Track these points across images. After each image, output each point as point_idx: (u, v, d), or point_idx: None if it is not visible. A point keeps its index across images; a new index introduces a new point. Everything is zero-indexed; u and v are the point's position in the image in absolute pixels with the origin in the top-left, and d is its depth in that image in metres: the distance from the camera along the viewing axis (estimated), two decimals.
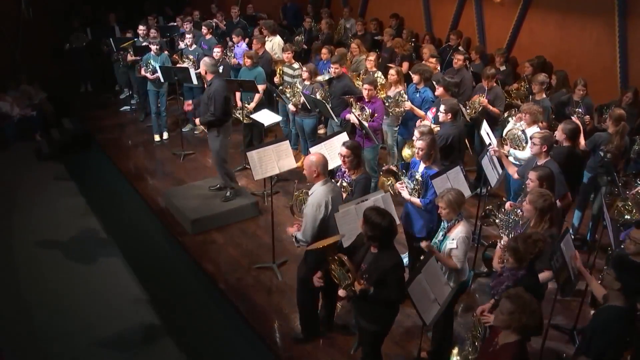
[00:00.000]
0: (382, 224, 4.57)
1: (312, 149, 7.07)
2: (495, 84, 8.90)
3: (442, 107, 7.25)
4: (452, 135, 7.16)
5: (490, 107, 8.64)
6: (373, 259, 4.75)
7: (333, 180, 5.97)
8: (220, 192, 8.68)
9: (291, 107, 9.36)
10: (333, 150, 6.85)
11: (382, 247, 4.70)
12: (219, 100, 8.00)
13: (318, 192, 5.39)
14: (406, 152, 7.89)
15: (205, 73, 8.27)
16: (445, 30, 13.15)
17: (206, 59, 8.42)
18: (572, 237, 5.94)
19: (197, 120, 8.63)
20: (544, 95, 8.43)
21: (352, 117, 7.95)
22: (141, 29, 11.78)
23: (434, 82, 8.55)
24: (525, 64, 10.15)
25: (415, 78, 8.62)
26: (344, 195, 6.04)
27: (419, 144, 6.19)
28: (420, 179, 6.15)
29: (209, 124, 8.24)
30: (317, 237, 5.32)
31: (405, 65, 11.12)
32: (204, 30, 11.93)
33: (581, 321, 5.94)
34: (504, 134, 7.69)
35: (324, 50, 10.59)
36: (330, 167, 5.95)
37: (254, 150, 7.01)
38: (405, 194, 6.24)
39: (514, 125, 7.62)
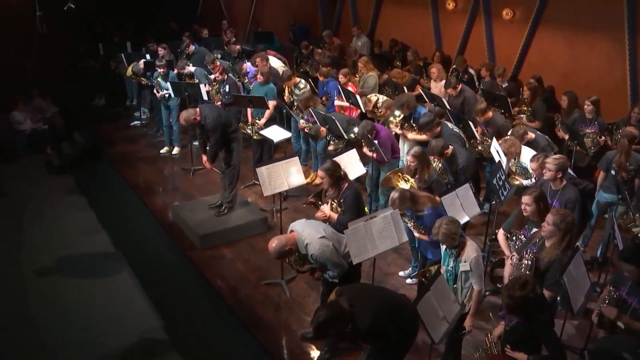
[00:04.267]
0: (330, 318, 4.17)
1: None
2: (491, 114, 8.59)
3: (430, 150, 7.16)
4: (470, 161, 7.23)
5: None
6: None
7: (325, 206, 6.18)
8: (220, 208, 8.68)
9: (302, 122, 9.39)
10: (343, 165, 6.82)
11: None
12: (218, 133, 8.01)
13: (309, 241, 5.38)
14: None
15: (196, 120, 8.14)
16: (455, 47, 13.21)
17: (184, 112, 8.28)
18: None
19: (207, 163, 8.46)
20: (533, 135, 8.02)
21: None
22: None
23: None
24: (524, 87, 9.87)
25: (405, 111, 8.63)
26: (336, 216, 6.10)
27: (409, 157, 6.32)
28: (412, 223, 6.12)
29: (216, 156, 8.29)
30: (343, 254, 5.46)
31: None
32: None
33: (592, 341, 5.87)
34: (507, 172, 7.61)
35: (319, 73, 10.71)
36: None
37: (263, 167, 7.03)
38: (416, 233, 6.22)
39: (507, 163, 7.56)
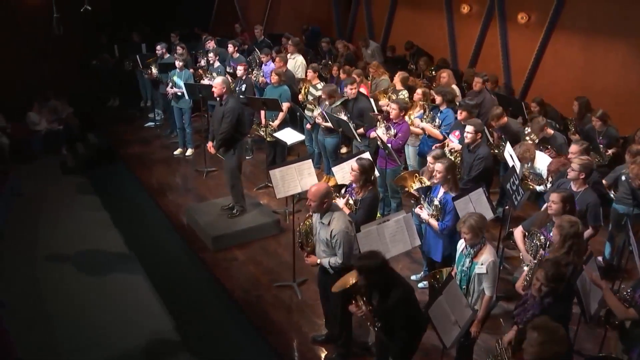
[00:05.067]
0: (373, 266, 4.55)
1: (334, 169, 7.09)
2: (506, 119, 8.56)
3: (470, 128, 7.19)
4: (490, 154, 7.23)
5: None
6: (380, 302, 4.70)
7: (339, 200, 6.15)
8: (232, 210, 8.69)
9: (308, 125, 9.39)
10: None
11: (382, 289, 4.66)
12: (232, 118, 8.00)
13: (338, 218, 5.40)
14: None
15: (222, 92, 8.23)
16: (469, 51, 13.16)
17: (219, 78, 8.49)
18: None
19: (211, 148, 8.53)
20: (551, 132, 8.17)
21: (376, 134, 7.96)
22: (158, 48, 11.96)
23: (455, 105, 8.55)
24: (532, 104, 9.73)
25: (438, 99, 8.61)
26: (347, 211, 6.06)
27: (437, 167, 6.17)
28: (438, 204, 6.12)
29: (223, 145, 8.21)
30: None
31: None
32: (230, 48, 12.04)
33: (606, 347, 5.82)
34: (521, 178, 7.57)
35: (341, 71, 10.67)
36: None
37: (276, 169, 7.04)
38: (424, 214, 6.23)
39: (522, 168, 7.53)
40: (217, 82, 8.25)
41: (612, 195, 7.32)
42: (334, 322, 6.05)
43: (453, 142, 8.00)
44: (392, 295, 4.60)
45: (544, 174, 7.26)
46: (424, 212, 6.25)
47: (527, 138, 8.06)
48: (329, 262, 5.49)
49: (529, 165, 7.46)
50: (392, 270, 4.79)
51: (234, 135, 8.17)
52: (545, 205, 6.03)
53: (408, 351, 4.89)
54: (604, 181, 7.46)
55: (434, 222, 6.13)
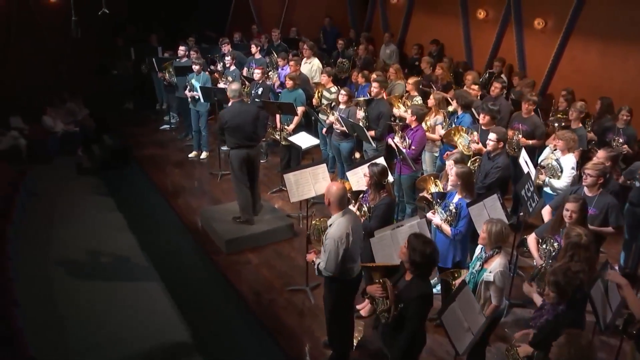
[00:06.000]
0: (426, 251, 4.54)
1: (349, 173, 7.09)
2: (533, 113, 8.67)
3: (493, 136, 7.12)
4: (509, 164, 7.20)
5: (531, 142, 8.43)
6: (404, 287, 4.71)
7: (352, 206, 6.05)
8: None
9: (324, 130, 9.40)
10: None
11: (417, 275, 4.64)
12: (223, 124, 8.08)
13: (338, 225, 5.33)
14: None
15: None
16: (485, 57, 13.10)
17: (232, 84, 8.51)
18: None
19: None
20: (580, 124, 8.30)
21: (392, 143, 7.96)
22: (181, 49, 12.00)
23: (474, 110, 8.50)
24: (560, 99, 9.79)
25: (454, 104, 8.58)
26: (362, 219, 6.05)
27: (452, 172, 6.15)
28: (454, 210, 6.09)
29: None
30: (342, 267, 5.33)
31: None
32: (253, 49, 12.10)
33: (621, 358, 5.76)
34: (539, 162, 7.58)
35: (360, 75, 10.65)
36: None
37: (291, 173, 7.05)
38: (436, 219, 6.20)
39: (549, 153, 7.53)
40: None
41: (637, 183, 7.24)
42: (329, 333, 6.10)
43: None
44: (421, 287, 4.60)
45: (566, 171, 7.19)
46: (437, 217, 6.22)
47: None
48: (317, 263, 5.49)
49: (555, 153, 7.40)
50: (432, 269, 4.78)
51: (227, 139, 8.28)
52: (557, 212, 5.98)
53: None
54: (621, 178, 7.38)
55: (446, 228, 6.10)
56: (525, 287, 5.64)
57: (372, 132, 8.73)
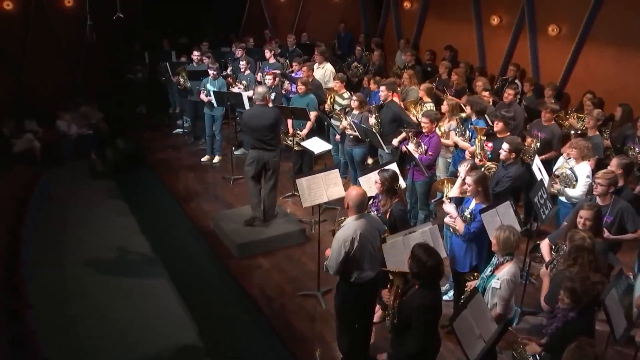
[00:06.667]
0: (427, 263, 4.50)
1: (361, 179, 7.08)
2: (553, 122, 8.53)
3: (505, 146, 7.04)
4: (522, 175, 7.15)
5: (545, 157, 8.20)
6: (409, 296, 4.71)
7: (371, 213, 6.04)
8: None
9: (338, 137, 9.40)
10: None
11: (421, 285, 4.63)
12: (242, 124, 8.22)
13: (347, 227, 5.39)
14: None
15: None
16: (499, 63, 13.05)
17: (258, 87, 8.58)
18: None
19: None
20: (597, 132, 8.23)
21: (406, 149, 7.95)
22: (195, 54, 12.05)
23: (487, 116, 8.46)
24: (587, 102, 9.60)
25: (468, 110, 8.55)
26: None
27: (467, 180, 6.12)
28: (469, 216, 6.06)
29: None
30: (343, 271, 5.39)
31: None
32: (267, 53, 12.14)
33: None
34: (554, 170, 7.52)
35: (372, 81, 10.64)
36: None
37: (303, 178, 7.05)
38: (451, 208, 6.19)
39: (563, 162, 7.45)
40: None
41: None
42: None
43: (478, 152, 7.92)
44: (423, 297, 4.57)
45: (581, 179, 7.12)
46: (451, 207, 6.20)
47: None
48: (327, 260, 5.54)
49: (569, 161, 7.33)
50: (437, 279, 4.72)
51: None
52: (571, 219, 5.95)
53: None
54: (638, 187, 7.32)
55: (460, 223, 6.06)
56: (542, 271, 5.72)
57: (404, 134, 8.72)
